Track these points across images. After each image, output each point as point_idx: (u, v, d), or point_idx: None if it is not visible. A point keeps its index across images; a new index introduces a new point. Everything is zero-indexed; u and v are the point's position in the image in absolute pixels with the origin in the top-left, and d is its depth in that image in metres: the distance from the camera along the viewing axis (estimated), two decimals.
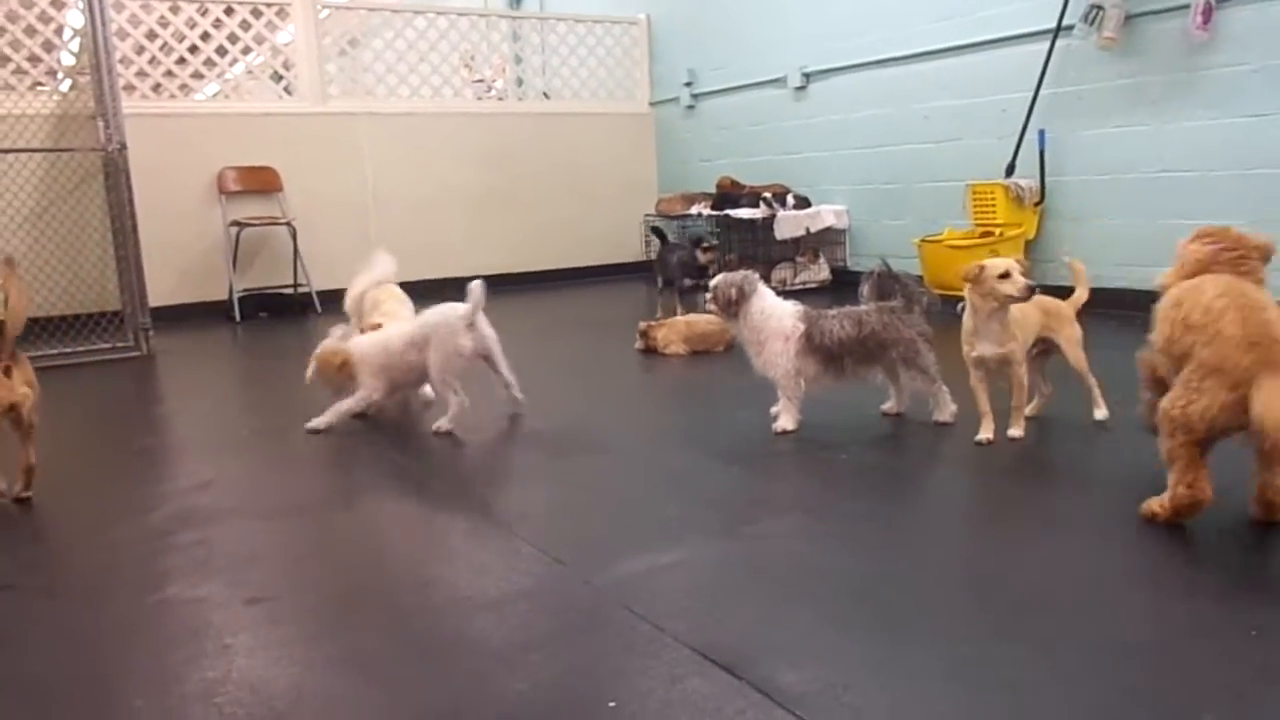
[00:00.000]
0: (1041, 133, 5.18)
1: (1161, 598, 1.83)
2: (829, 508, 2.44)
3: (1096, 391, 2.93)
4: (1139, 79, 4.77)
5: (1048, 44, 5.06)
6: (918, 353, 2.96)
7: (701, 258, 5.48)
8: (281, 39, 6.96)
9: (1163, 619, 1.74)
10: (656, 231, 6.32)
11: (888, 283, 3.05)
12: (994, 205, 5.22)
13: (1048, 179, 5.22)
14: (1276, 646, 1.59)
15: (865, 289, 3.09)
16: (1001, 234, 5.13)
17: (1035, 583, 1.91)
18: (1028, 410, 2.89)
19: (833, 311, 3.03)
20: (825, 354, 2.97)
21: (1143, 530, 2.10)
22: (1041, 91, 5.13)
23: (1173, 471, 1.99)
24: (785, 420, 3.05)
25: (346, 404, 3.38)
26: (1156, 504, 2.06)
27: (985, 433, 2.77)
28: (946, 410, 2.99)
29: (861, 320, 2.97)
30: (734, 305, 3.02)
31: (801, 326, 2.98)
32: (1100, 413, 2.92)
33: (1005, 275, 2.64)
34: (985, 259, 2.77)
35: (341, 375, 3.39)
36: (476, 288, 3.23)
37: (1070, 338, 2.91)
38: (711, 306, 3.09)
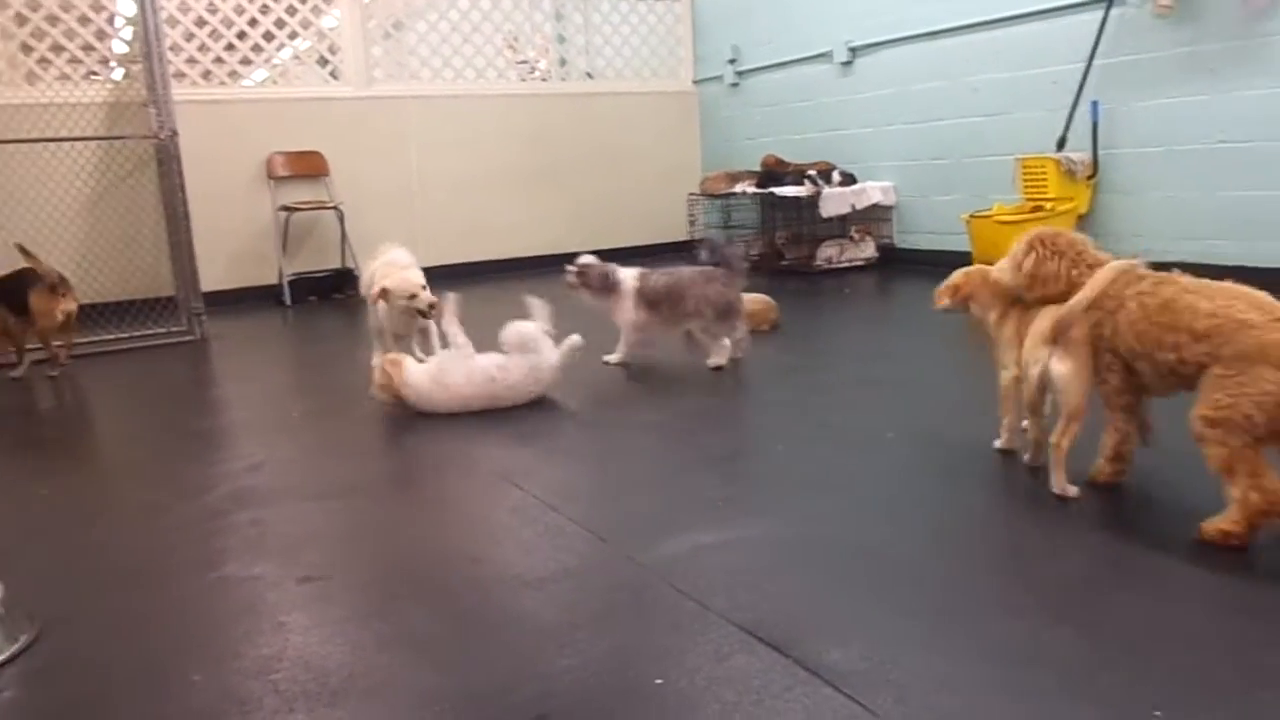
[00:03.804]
0: (1094, 104, 5.06)
1: (1208, 576, 1.79)
2: (873, 486, 2.42)
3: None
4: (1197, 47, 4.64)
5: (1101, 13, 4.94)
6: (698, 312, 3.65)
7: None
8: (327, 23, 7.01)
9: (1210, 600, 1.70)
10: None
11: (717, 251, 3.80)
12: (1045, 179, 5.12)
13: (1101, 152, 5.10)
14: None
15: (704, 253, 3.81)
16: (1053, 208, 5.04)
17: (1081, 565, 1.88)
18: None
19: (660, 271, 3.78)
20: (649, 302, 3.74)
21: (1190, 516, 2.06)
22: (1095, 62, 5.01)
23: (1237, 481, 1.85)
24: (616, 355, 3.87)
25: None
26: (1223, 524, 1.88)
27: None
28: (715, 359, 3.70)
29: (673, 276, 3.71)
30: (604, 288, 3.78)
31: (636, 283, 3.77)
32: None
33: None
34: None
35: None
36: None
37: None
38: (575, 281, 3.82)
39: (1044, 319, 2.18)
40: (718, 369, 3.69)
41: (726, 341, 3.72)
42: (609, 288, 3.80)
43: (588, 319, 3.66)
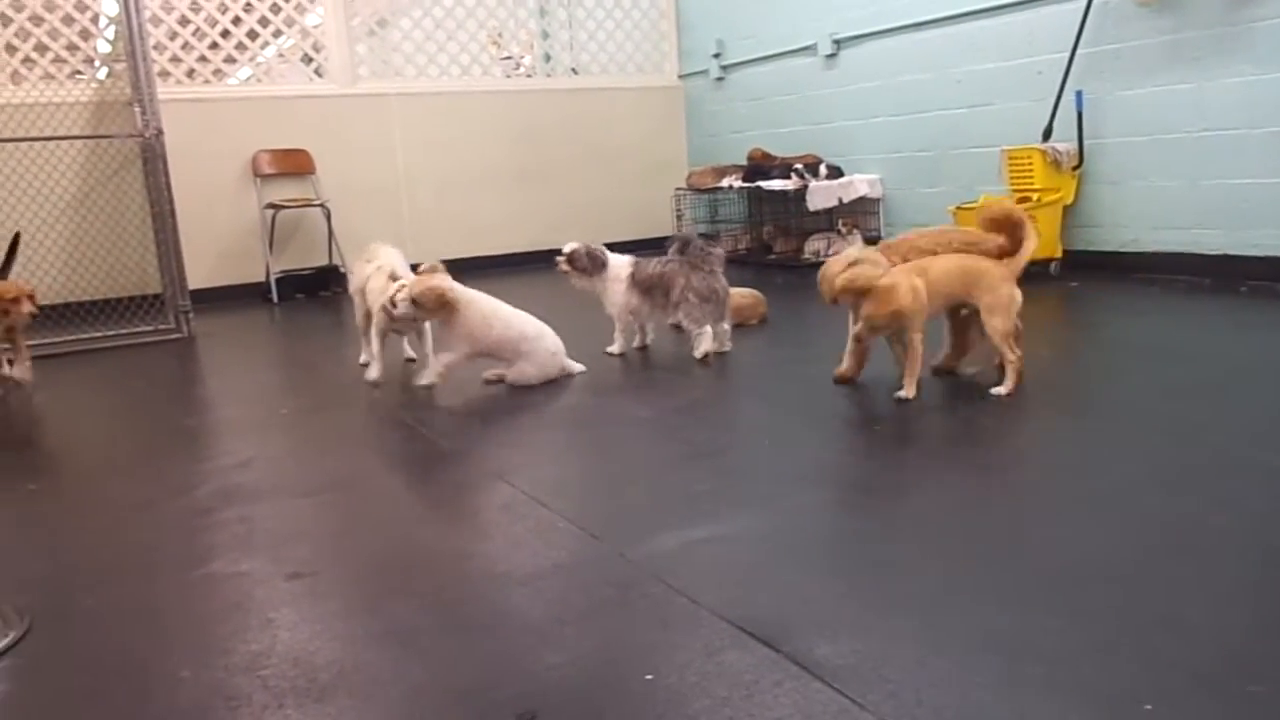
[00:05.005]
0: (1079, 94, 5.07)
1: (1196, 567, 1.80)
2: (863, 480, 2.43)
3: (1010, 369, 2.89)
4: (1180, 35, 4.65)
5: (1084, 2, 4.95)
6: (683, 299, 3.74)
7: None
8: (311, 21, 6.98)
9: (1203, 591, 1.71)
10: None
11: (691, 245, 3.88)
12: (1031, 170, 5.13)
13: (1086, 142, 5.11)
14: None
15: (672, 248, 3.88)
16: (1039, 199, 5.05)
17: (1074, 554, 1.89)
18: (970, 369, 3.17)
19: (653, 260, 3.87)
20: (642, 288, 3.85)
21: (1174, 501, 2.07)
22: (1078, 52, 5.02)
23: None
24: (615, 346, 3.96)
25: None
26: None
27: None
28: (699, 348, 3.73)
29: (663, 264, 3.84)
30: (593, 269, 3.90)
31: (630, 269, 3.88)
32: (1000, 390, 2.89)
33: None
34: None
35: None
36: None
37: (991, 304, 2.90)
38: (566, 267, 3.92)
39: (994, 264, 2.94)
40: (704, 359, 3.70)
41: (708, 329, 3.73)
42: (597, 266, 3.91)
43: (580, 313, 3.67)
